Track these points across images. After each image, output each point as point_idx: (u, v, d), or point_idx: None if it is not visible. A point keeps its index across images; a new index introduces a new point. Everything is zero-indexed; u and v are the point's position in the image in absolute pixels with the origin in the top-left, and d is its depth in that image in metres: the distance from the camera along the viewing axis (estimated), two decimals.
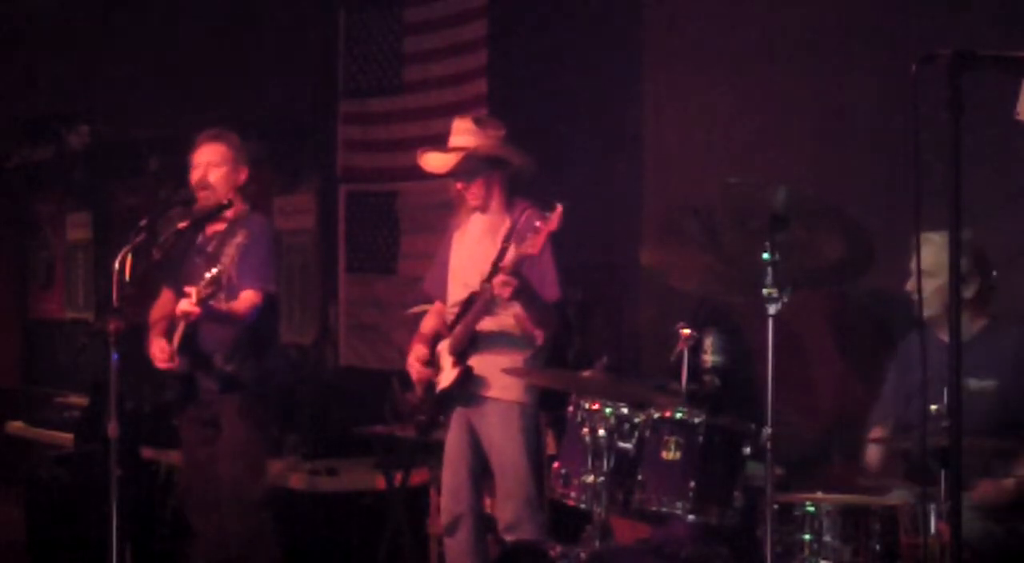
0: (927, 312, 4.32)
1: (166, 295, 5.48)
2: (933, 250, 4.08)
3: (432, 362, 5.09)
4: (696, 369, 4.85)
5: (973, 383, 4.22)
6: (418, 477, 6.20)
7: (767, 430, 3.76)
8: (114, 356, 4.63)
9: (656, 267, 4.26)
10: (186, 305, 5.01)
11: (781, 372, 3.74)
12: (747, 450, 4.12)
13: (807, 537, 3.94)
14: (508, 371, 4.78)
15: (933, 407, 3.76)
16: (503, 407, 4.94)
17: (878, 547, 3.90)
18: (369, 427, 6.42)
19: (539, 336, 4.95)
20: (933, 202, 2.88)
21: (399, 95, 7.43)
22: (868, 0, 5.32)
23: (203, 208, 5.33)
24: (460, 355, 4.97)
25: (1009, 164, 4.61)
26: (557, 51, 6.57)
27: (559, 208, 4.52)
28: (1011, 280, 4.45)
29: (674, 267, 4.20)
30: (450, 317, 5.10)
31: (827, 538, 3.92)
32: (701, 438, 4.11)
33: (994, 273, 4.39)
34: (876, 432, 4.57)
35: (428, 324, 5.27)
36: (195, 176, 5.37)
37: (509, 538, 4.88)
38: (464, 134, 5.02)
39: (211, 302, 5.09)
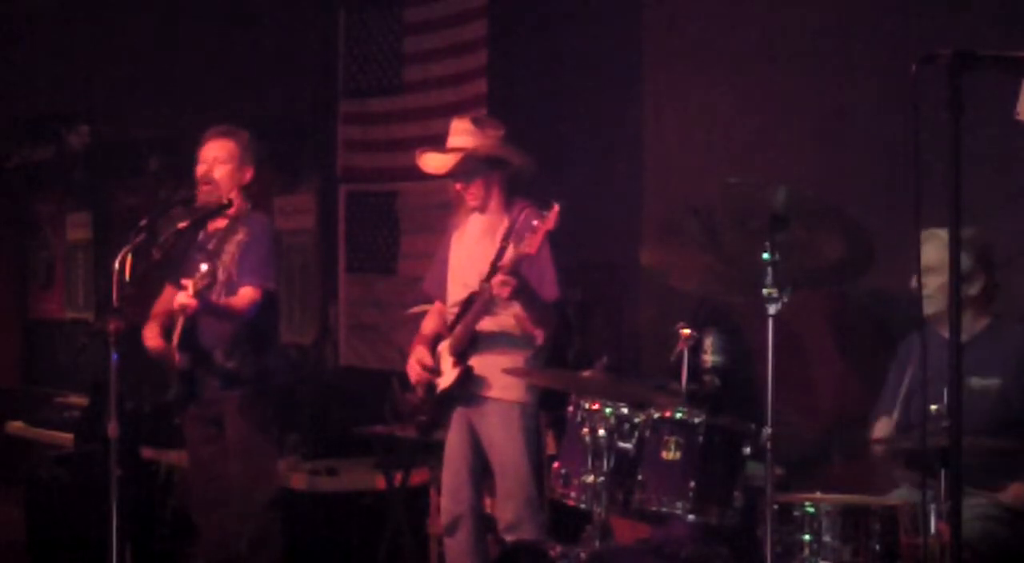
0: (931, 309, 4.33)
1: (168, 291, 5.48)
2: (938, 246, 4.09)
3: (434, 368, 5.09)
4: (696, 369, 4.85)
5: (976, 382, 4.22)
6: (418, 477, 6.20)
7: (767, 430, 3.76)
8: (114, 356, 4.63)
9: (656, 267, 4.26)
10: (183, 298, 5.02)
11: (781, 372, 3.74)
12: (747, 450, 4.12)
13: (807, 537, 3.94)
14: (508, 371, 4.78)
15: (933, 407, 3.76)
16: (503, 407, 4.94)
17: (878, 547, 3.90)
18: (369, 427, 6.43)
19: (539, 336, 4.95)
20: (933, 202, 2.88)
21: (399, 95, 7.43)
22: (868, 0, 5.32)
23: (203, 207, 5.33)
24: (460, 355, 4.97)
25: (1009, 164, 4.61)
26: (557, 51, 6.57)
27: (556, 207, 4.53)
28: (1011, 280, 4.45)
29: (674, 267, 4.20)
30: (450, 317, 5.10)
31: (827, 538, 3.92)
32: (701, 438, 4.11)
33: (994, 273, 4.39)
34: (878, 429, 4.57)
35: (428, 324, 5.27)
36: (200, 170, 5.37)
37: (509, 538, 4.88)
38: (463, 134, 5.02)
39: (209, 296, 5.09)
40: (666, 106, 6.11)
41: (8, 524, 7.67)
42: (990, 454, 4.06)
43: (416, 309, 5.50)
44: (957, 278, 2.83)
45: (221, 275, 5.28)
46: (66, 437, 7.88)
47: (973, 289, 4.31)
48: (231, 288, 5.27)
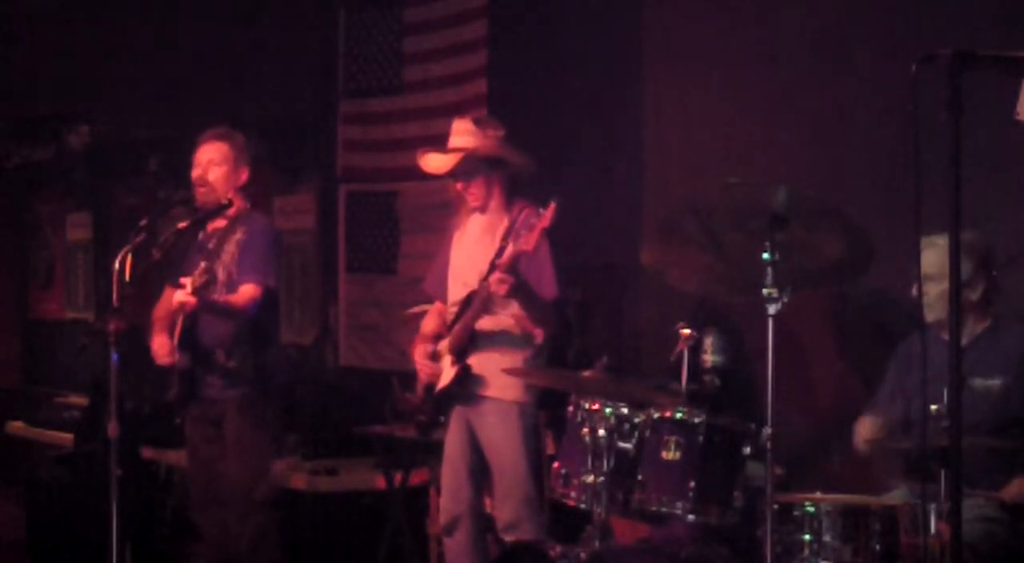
0: (932, 316, 4.32)
1: (168, 293, 5.48)
2: (937, 254, 4.09)
3: (436, 355, 5.10)
4: (696, 369, 4.85)
5: (978, 382, 4.23)
6: (418, 477, 6.20)
7: (767, 430, 3.76)
8: (114, 356, 4.64)
9: (656, 267, 4.26)
10: (182, 295, 5.03)
11: (781, 372, 3.74)
12: (747, 450, 4.12)
13: (807, 537, 3.94)
14: (508, 371, 4.78)
15: (933, 407, 3.76)
16: (502, 407, 4.94)
17: (878, 547, 3.90)
18: (369, 427, 6.43)
19: (538, 335, 4.95)
20: (933, 202, 2.89)
21: (399, 95, 7.43)
22: (868, 0, 5.32)
23: (203, 207, 5.34)
24: (459, 354, 4.97)
25: (1009, 164, 4.61)
26: (557, 51, 6.57)
27: (553, 204, 4.54)
28: (1011, 280, 4.45)
29: (674, 267, 4.19)
30: (450, 317, 5.10)
31: (827, 538, 3.92)
32: (701, 438, 4.11)
33: (994, 273, 4.39)
34: (861, 428, 4.57)
35: (429, 324, 5.27)
36: (195, 173, 5.38)
37: (508, 538, 4.88)
38: (463, 135, 5.02)
39: (208, 295, 5.09)
40: (666, 106, 6.11)
41: (8, 524, 7.67)
42: (991, 454, 4.06)
43: (416, 309, 5.50)
44: (957, 278, 2.83)
45: (221, 275, 5.29)
46: (66, 437, 7.89)
47: (974, 294, 4.32)
48: (231, 287, 5.27)
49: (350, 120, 7.78)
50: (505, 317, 4.93)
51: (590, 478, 4.24)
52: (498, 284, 4.67)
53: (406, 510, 6.25)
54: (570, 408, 4.44)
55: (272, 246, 5.41)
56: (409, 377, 5.24)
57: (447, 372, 5.02)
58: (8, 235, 11.00)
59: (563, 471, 4.40)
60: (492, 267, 4.85)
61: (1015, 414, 4.22)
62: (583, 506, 4.30)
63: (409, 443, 5.97)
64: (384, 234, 7.59)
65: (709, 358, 5.01)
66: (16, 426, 9.10)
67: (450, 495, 5.09)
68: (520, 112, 6.02)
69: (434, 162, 5.09)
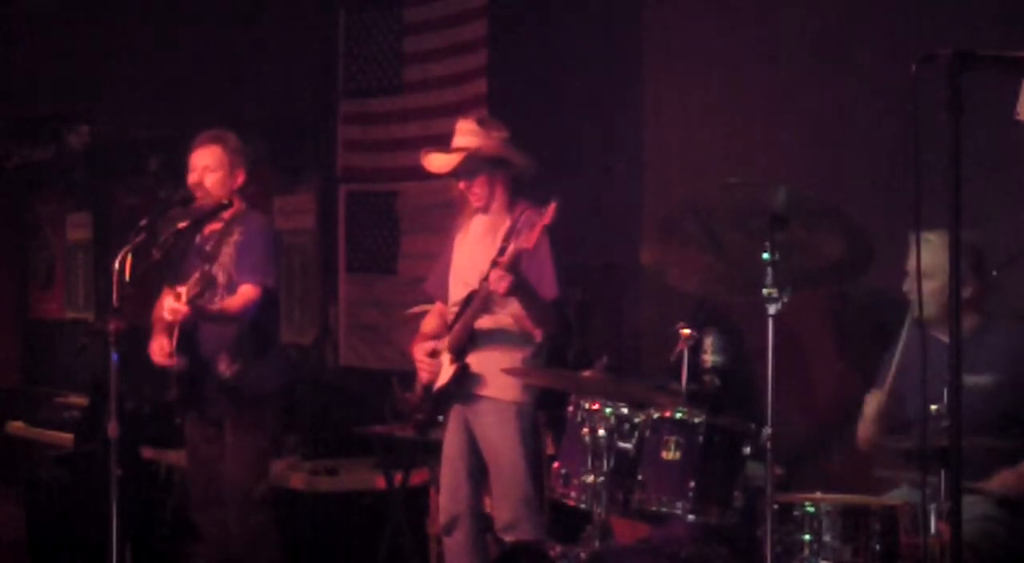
0: (925, 312, 4.33)
1: (168, 294, 5.48)
2: (930, 250, 4.08)
3: (436, 354, 5.10)
4: (696, 369, 4.85)
5: (969, 380, 4.22)
6: (418, 477, 6.20)
7: (767, 430, 3.76)
8: (114, 356, 4.63)
9: (656, 267, 4.26)
10: (173, 303, 5.02)
11: (781, 372, 3.74)
12: (747, 450, 4.12)
13: (807, 537, 3.94)
14: (508, 371, 4.79)
15: (933, 407, 3.76)
16: (500, 407, 4.94)
17: (878, 547, 3.90)
18: (369, 427, 6.43)
19: (537, 334, 4.95)
20: (933, 202, 2.89)
21: (399, 95, 7.43)
22: (868, 0, 5.32)
23: (202, 208, 5.34)
24: (458, 353, 4.97)
25: (1009, 164, 4.61)
26: (557, 51, 6.57)
27: (554, 203, 4.54)
28: (1011, 280, 4.45)
29: (674, 267, 4.19)
30: (450, 317, 5.10)
31: (827, 538, 3.92)
32: (701, 438, 4.11)
33: (994, 272, 4.39)
34: (868, 404, 4.55)
35: (429, 324, 5.28)
36: (191, 179, 5.38)
37: (507, 538, 4.88)
38: (467, 135, 5.03)
39: (203, 302, 5.09)
40: (666, 106, 6.11)
41: (8, 524, 7.67)
42: (986, 453, 4.06)
43: (416, 309, 5.50)
44: (958, 278, 2.83)
45: (221, 278, 5.28)
46: (66, 437, 7.89)
47: (965, 292, 4.32)
48: (232, 289, 5.27)
49: (350, 120, 7.78)
50: (504, 316, 4.93)
51: (590, 478, 4.24)
52: (498, 281, 4.67)
53: (406, 510, 6.25)
54: (570, 408, 4.44)
55: (270, 245, 5.40)
56: (409, 377, 5.24)
57: (445, 370, 5.02)
58: (8, 235, 11.00)
59: (563, 471, 4.40)
60: (493, 266, 4.85)
61: (1006, 411, 4.22)
62: (583, 506, 4.30)
63: (409, 443, 5.97)
64: (384, 234, 7.59)
65: (709, 358, 5.02)
66: (16, 426, 9.10)
67: (449, 495, 5.09)
68: (520, 112, 6.02)
69: (437, 161, 5.10)
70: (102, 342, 4.73)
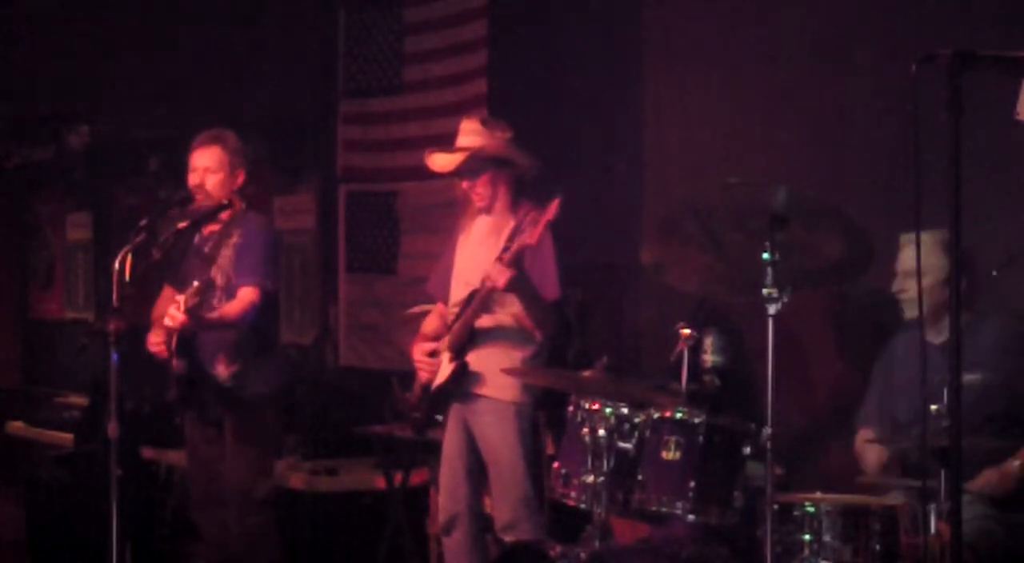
0: (913, 312, 4.37)
1: (167, 292, 5.48)
2: (921, 250, 4.09)
3: (436, 354, 5.10)
4: (696, 369, 4.85)
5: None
6: (418, 477, 6.20)
7: (767, 430, 3.76)
8: (114, 356, 4.63)
9: (656, 267, 4.26)
10: (173, 314, 5.02)
11: (781, 372, 3.74)
12: (747, 450, 4.12)
13: (807, 537, 3.94)
14: (507, 371, 4.78)
15: (933, 407, 3.77)
16: (499, 407, 4.94)
17: (878, 547, 3.90)
18: (369, 427, 6.43)
19: (538, 334, 4.95)
20: (933, 202, 2.89)
21: (399, 95, 7.43)
22: (868, 0, 5.32)
23: (202, 208, 5.33)
24: (458, 351, 4.97)
25: (1009, 164, 4.61)
26: (557, 51, 6.57)
27: (557, 199, 4.54)
28: (1011, 280, 4.45)
29: (674, 267, 4.20)
30: (451, 318, 5.10)
31: (827, 538, 3.92)
32: (701, 438, 4.11)
33: (994, 273, 4.39)
34: (864, 434, 4.59)
35: (430, 325, 5.27)
36: (192, 180, 5.38)
37: (507, 538, 4.88)
38: (471, 135, 5.04)
39: (202, 310, 5.08)
40: (666, 106, 6.11)
41: (8, 524, 7.67)
42: (974, 452, 4.07)
43: (416, 309, 5.50)
44: (957, 278, 2.83)
45: (220, 280, 5.28)
46: (66, 437, 7.89)
47: None
48: (231, 291, 5.26)
49: (350, 120, 7.78)
50: (505, 315, 4.93)
51: (590, 478, 4.24)
52: (498, 274, 4.67)
53: (406, 510, 6.25)
54: (570, 408, 4.44)
55: (270, 247, 5.39)
56: (409, 377, 5.24)
57: (444, 369, 5.02)
58: (8, 235, 11.00)
59: (563, 471, 4.40)
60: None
61: (996, 409, 4.23)
62: (583, 506, 4.30)
63: (409, 443, 5.97)
64: (384, 234, 7.59)
65: (709, 358, 5.01)
66: (16, 426, 9.10)
67: (448, 494, 5.09)
68: (520, 112, 6.02)
69: (441, 161, 5.10)
70: (102, 342, 4.73)
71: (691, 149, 5.93)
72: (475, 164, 4.98)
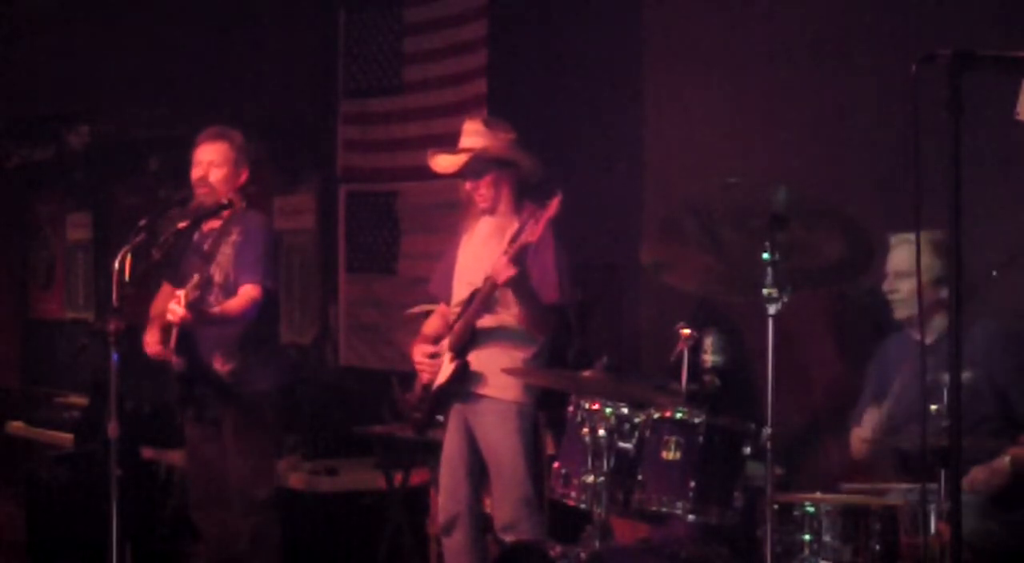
0: (904, 312, 4.39)
1: (166, 290, 5.48)
2: (910, 251, 4.11)
3: (437, 356, 5.10)
4: (696, 369, 4.85)
5: (945, 377, 4.21)
6: (418, 477, 6.20)
7: (767, 430, 3.76)
8: (114, 356, 4.64)
9: (656, 267, 4.26)
10: (173, 308, 5.01)
11: (781, 372, 3.74)
12: (747, 450, 4.12)
13: (807, 537, 3.94)
14: (507, 371, 4.78)
15: (933, 407, 3.77)
16: (500, 407, 4.94)
17: (878, 547, 3.90)
18: (369, 427, 6.43)
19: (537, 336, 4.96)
20: (933, 202, 2.89)
21: (399, 95, 7.43)
22: (868, 0, 5.32)
23: (203, 207, 5.33)
24: (459, 351, 4.97)
25: (1009, 164, 4.61)
26: (557, 51, 6.57)
27: (558, 195, 4.55)
28: (1011, 280, 4.45)
29: (674, 267, 4.20)
30: (452, 318, 5.10)
31: (827, 538, 3.93)
32: (701, 438, 4.11)
33: (994, 273, 4.39)
34: (858, 433, 4.60)
35: (431, 326, 5.27)
36: (195, 174, 5.37)
37: (507, 538, 4.88)
38: (474, 135, 5.04)
39: (202, 305, 5.08)
40: (666, 106, 6.11)
41: (8, 524, 7.67)
42: (974, 453, 4.07)
43: (417, 309, 5.50)
44: (958, 278, 2.83)
45: (218, 277, 5.28)
46: (66, 437, 7.88)
47: (944, 292, 4.32)
48: (229, 289, 5.26)
49: (350, 120, 7.78)
50: (507, 315, 4.93)
51: (590, 478, 4.24)
52: (502, 268, 4.66)
53: (406, 510, 6.25)
54: (570, 408, 4.44)
55: (270, 245, 5.40)
56: (409, 377, 5.24)
57: (445, 368, 5.02)
58: (8, 235, 10.99)
59: (563, 471, 4.40)
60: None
61: (985, 408, 4.23)
62: (583, 506, 4.30)
63: (409, 443, 5.97)
64: (384, 234, 7.59)
65: (709, 358, 5.01)
66: (16, 426, 9.09)
67: (448, 494, 5.09)
68: (520, 112, 6.01)
69: (444, 162, 5.10)
70: (102, 342, 4.72)
71: (691, 149, 5.92)
72: (478, 165, 4.98)
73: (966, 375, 4.20)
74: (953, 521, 2.82)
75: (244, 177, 5.43)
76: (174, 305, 5.02)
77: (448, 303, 5.20)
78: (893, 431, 4.41)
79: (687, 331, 4.57)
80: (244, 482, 5.33)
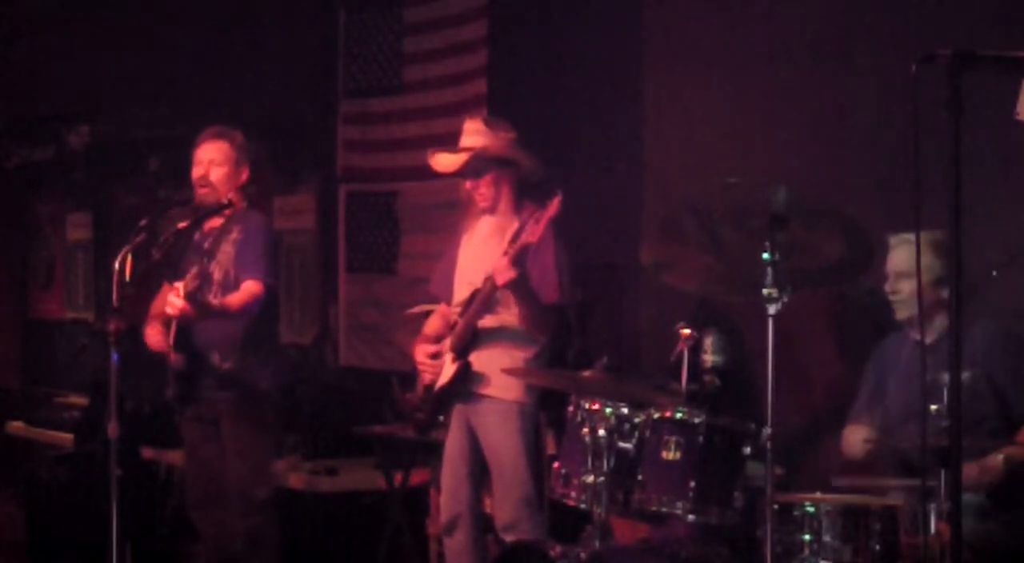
0: (904, 313, 4.39)
1: (166, 290, 5.48)
2: (910, 251, 4.11)
3: (439, 356, 5.10)
4: (696, 369, 4.85)
5: (944, 377, 4.21)
6: (418, 477, 6.20)
7: (767, 430, 3.76)
8: (114, 356, 4.64)
9: (656, 267, 4.26)
10: (172, 300, 5.01)
11: (781, 372, 3.74)
12: (747, 450, 4.12)
13: (807, 537, 3.94)
14: (508, 371, 4.78)
15: (933, 407, 3.77)
16: (502, 407, 4.94)
17: (878, 547, 3.90)
18: (369, 427, 6.43)
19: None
20: (933, 202, 2.89)
21: (399, 95, 7.43)
22: (868, 0, 5.32)
23: (203, 206, 5.33)
24: (461, 351, 4.97)
25: (1009, 164, 4.61)
26: (557, 51, 6.57)
27: (558, 195, 4.55)
28: (1011, 280, 4.45)
29: (674, 267, 4.20)
30: (453, 318, 5.10)
31: (827, 538, 3.93)
32: (701, 438, 4.11)
33: (994, 273, 4.39)
34: (852, 429, 4.59)
35: (432, 326, 5.27)
36: (196, 172, 5.37)
37: (508, 538, 4.88)
38: (474, 135, 5.04)
39: (200, 299, 5.08)
40: (666, 106, 6.11)
41: (8, 524, 7.67)
42: (972, 453, 4.07)
43: (417, 309, 5.50)
44: (958, 278, 2.83)
45: (218, 275, 5.28)
46: (66, 437, 7.88)
47: (943, 292, 4.32)
48: (229, 287, 5.26)
49: (350, 120, 7.78)
50: (508, 315, 4.93)
51: (590, 478, 4.24)
52: (503, 269, 4.66)
53: (406, 510, 6.25)
54: (570, 408, 4.44)
55: (270, 243, 5.40)
56: (409, 377, 5.24)
57: (447, 369, 5.02)
58: (8, 235, 10.99)
59: (563, 471, 4.40)
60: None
61: (985, 409, 4.23)
62: (583, 506, 4.30)
63: (409, 443, 5.97)
64: (384, 234, 7.59)
65: (709, 358, 5.01)
66: (16, 426, 9.09)
67: (449, 494, 5.09)
68: (520, 112, 6.01)
69: (444, 161, 5.10)
70: (102, 342, 4.73)
71: (691, 149, 5.92)
72: (479, 164, 4.98)
73: (965, 375, 4.20)
74: (953, 521, 2.82)
75: (245, 176, 5.43)
76: (173, 297, 5.01)
77: (448, 303, 5.20)
78: (890, 431, 4.41)
79: (687, 331, 4.57)
80: (243, 482, 5.33)
